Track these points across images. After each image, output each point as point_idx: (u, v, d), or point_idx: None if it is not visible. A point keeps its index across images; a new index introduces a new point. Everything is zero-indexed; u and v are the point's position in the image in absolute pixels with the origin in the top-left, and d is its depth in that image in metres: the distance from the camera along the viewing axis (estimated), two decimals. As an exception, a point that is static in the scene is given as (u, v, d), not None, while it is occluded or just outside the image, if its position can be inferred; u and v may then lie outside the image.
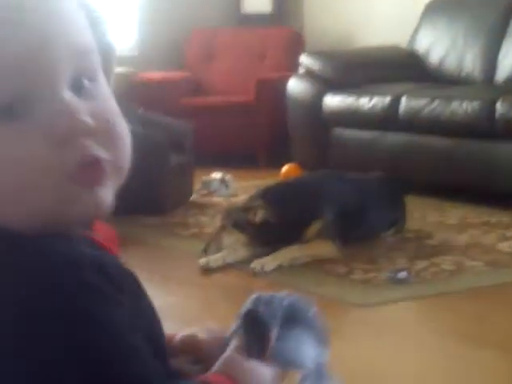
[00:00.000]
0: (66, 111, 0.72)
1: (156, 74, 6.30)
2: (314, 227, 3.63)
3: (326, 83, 5.40)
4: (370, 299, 3.11)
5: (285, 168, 5.34)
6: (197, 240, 3.88)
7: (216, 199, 4.90)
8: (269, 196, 3.66)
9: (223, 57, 6.67)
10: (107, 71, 0.82)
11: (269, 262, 3.45)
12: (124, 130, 0.79)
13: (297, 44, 6.46)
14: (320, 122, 5.37)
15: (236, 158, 6.01)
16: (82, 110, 0.73)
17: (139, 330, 0.73)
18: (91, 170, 0.74)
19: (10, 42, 0.71)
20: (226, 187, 5.09)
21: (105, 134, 0.75)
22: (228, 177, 5.16)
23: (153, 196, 4.51)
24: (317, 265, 3.50)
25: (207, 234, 3.91)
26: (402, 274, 3.30)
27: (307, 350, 0.86)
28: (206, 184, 5.12)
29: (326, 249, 3.59)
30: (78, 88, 0.74)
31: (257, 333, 0.85)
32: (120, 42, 6.48)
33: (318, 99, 5.38)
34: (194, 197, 4.94)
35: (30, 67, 0.71)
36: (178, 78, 6.40)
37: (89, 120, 0.73)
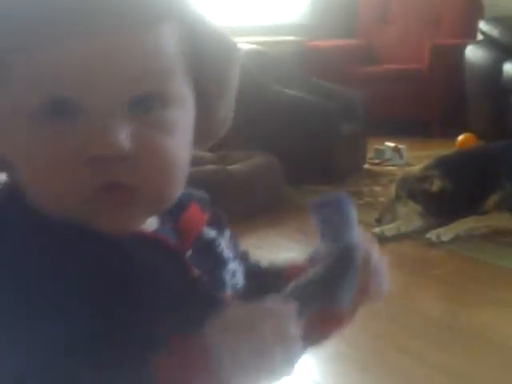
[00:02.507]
0: (104, 134, 0.70)
1: (328, 42, 6.28)
2: (492, 198, 3.55)
3: (506, 50, 5.22)
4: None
5: (460, 138, 5.21)
6: (370, 209, 3.86)
7: (389, 168, 4.86)
8: (445, 166, 3.59)
9: (396, 23, 6.56)
10: (220, 81, 0.79)
11: (446, 232, 3.39)
12: (177, 163, 0.75)
13: (474, 9, 6.25)
14: (499, 90, 5.19)
15: (409, 127, 5.91)
16: (124, 134, 0.70)
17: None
18: (113, 194, 0.72)
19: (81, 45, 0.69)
20: (399, 156, 5.03)
21: (147, 162, 0.72)
22: (402, 146, 5.09)
23: (326, 164, 4.52)
24: (495, 236, 3.42)
25: (381, 203, 3.89)
26: None
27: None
28: (379, 153, 5.08)
29: (504, 220, 3.50)
30: (143, 109, 0.72)
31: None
32: (291, 11, 6.52)
33: (497, 67, 5.21)
34: (366, 165, 4.91)
35: (85, 77, 0.69)
36: (350, 45, 6.36)
37: (126, 146, 0.70)
